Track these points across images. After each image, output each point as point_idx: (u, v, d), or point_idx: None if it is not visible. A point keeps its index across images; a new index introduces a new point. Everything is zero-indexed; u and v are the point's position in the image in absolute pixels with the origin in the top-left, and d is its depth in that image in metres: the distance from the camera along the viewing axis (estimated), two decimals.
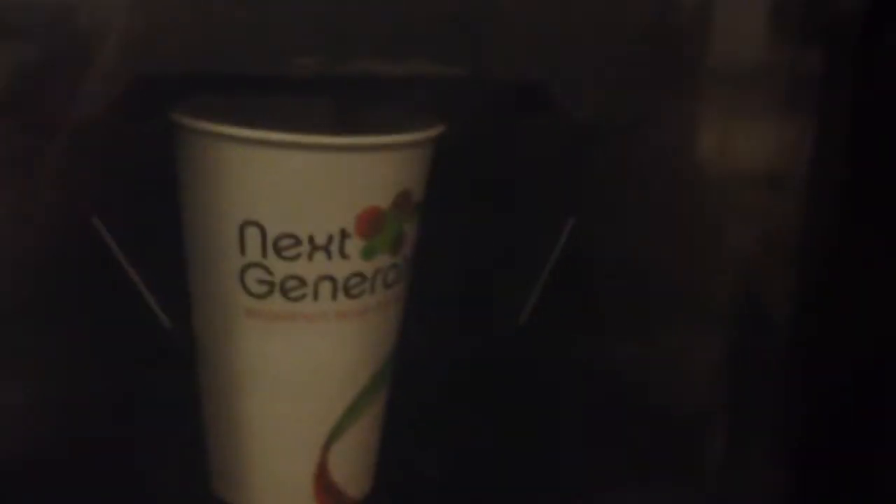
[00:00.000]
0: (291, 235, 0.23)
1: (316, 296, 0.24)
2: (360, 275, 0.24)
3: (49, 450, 0.26)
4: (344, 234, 0.23)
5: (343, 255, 0.23)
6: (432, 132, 0.24)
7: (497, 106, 0.29)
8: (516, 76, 0.30)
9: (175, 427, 0.28)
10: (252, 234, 0.23)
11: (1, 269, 0.25)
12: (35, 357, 0.26)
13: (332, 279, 0.24)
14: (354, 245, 0.23)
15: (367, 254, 0.24)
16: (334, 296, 0.24)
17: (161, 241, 0.25)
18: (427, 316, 0.28)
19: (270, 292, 0.24)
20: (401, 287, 0.26)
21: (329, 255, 0.23)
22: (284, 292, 0.24)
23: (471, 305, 0.33)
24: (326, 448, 0.26)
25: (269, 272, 0.23)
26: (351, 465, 0.27)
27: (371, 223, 0.24)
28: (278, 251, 0.23)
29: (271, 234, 0.23)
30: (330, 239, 0.23)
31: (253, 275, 0.23)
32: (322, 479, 0.27)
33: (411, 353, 0.27)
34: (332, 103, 0.27)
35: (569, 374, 0.32)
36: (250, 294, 0.24)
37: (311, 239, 0.23)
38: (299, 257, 0.23)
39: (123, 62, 0.25)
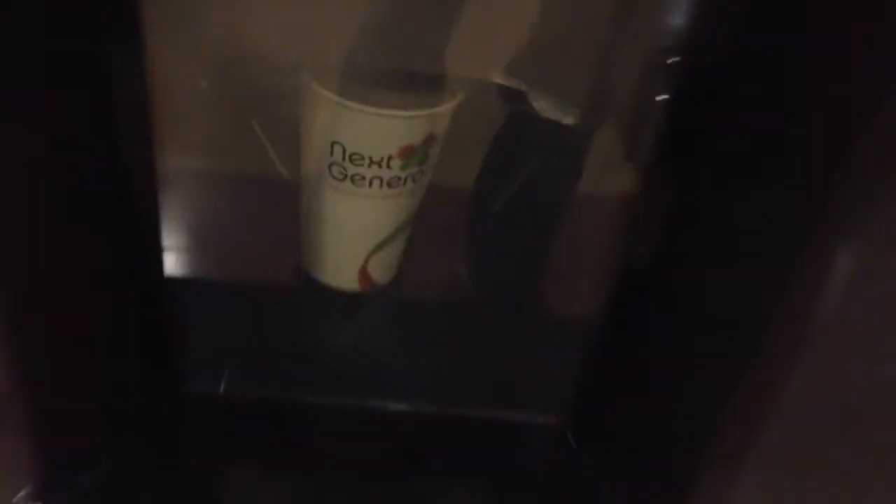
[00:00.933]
0: (359, 154, 0.40)
1: (370, 185, 0.41)
2: (398, 177, 0.41)
3: None
4: (390, 158, 0.40)
5: (388, 167, 0.40)
6: (451, 104, 0.40)
7: None
8: None
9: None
10: (337, 149, 0.40)
11: None
12: None
13: (380, 179, 0.41)
14: (395, 162, 0.40)
15: (403, 168, 0.41)
16: (381, 186, 0.41)
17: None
18: None
19: (344, 179, 0.41)
20: (424, 181, 0.43)
21: (380, 166, 0.40)
22: (352, 180, 0.41)
23: None
24: (367, 258, 0.45)
25: (344, 169, 0.40)
26: (381, 267, 0.46)
27: (407, 152, 0.40)
28: (351, 160, 0.40)
29: (349, 151, 0.40)
30: (381, 159, 0.40)
31: (335, 169, 0.41)
32: (363, 272, 0.46)
33: None
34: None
35: None
36: (333, 178, 0.41)
37: (370, 158, 0.40)
38: (363, 165, 0.40)
39: None
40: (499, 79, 0.41)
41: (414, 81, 0.40)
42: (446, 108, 0.40)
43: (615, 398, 0.43)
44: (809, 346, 0.33)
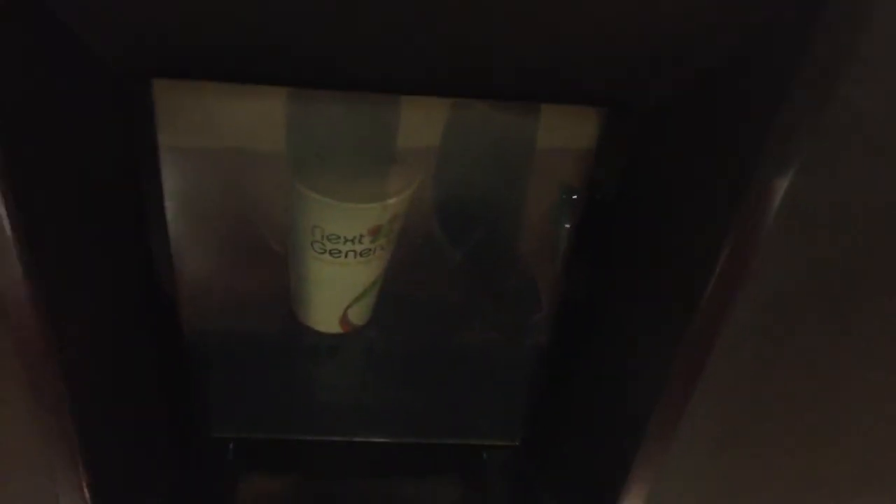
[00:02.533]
0: (335, 235, 0.48)
1: (346, 256, 0.49)
2: (369, 249, 0.49)
3: None
4: (362, 236, 0.48)
5: (360, 242, 0.48)
6: (410, 190, 0.48)
7: None
8: None
9: None
10: (318, 231, 0.48)
11: None
12: None
13: (354, 251, 0.49)
14: (366, 238, 0.48)
15: (373, 242, 0.49)
16: (355, 257, 0.49)
17: None
18: None
19: (324, 252, 0.49)
20: (391, 247, 0.51)
21: (353, 242, 0.48)
22: (330, 253, 0.49)
23: None
24: (346, 309, 0.54)
25: (323, 245, 0.49)
26: (360, 312, 0.55)
27: (375, 230, 0.48)
28: (329, 239, 0.48)
29: (327, 232, 0.48)
30: (354, 238, 0.48)
31: (316, 245, 0.49)
32: (344, 318, 0.54)
33: None
34: None
35: None
36: (315, 251, 0.49)
37: (345, 237, 0.48)
38: (339, 242, 0.48)
39: None
40: None
41: (380, 172, 0.48)
42: (406, 194, 0.48)
43: (557, 417, 0.52)
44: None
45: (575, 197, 0.40)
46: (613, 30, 0.30)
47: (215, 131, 0.44)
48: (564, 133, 0.42)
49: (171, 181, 0.44)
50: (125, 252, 0.39)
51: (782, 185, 0.32)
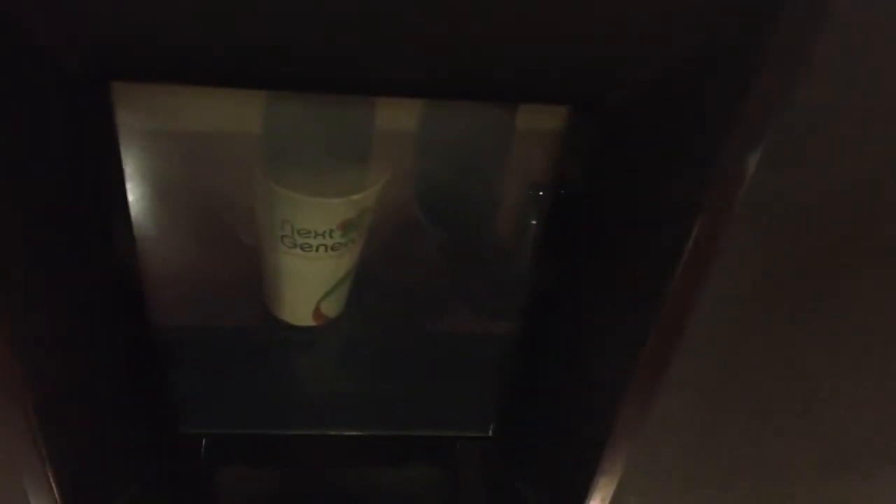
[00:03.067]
0: (306, 230, 0.48)
1: (317, 250, 0.49)
2: (339, 243, 0.49)
3: None
4: (332, 230, 0.48)
5: (331, 237, 0.48)
6: (379, 184, 0.48)
7: None
8: None
9: None
10: (287, 226, 0.48)
11: None
12: None
13: (325, 245, 0.49)
14: (336, 233, 0.48)
15: (343, 236, 0.49)
16: (326, 251, 0.49)
17: None
18: None
19: (294, 247, 0.49)
20: (361, 240, 0.51)
21: (324, 237, 0.48)
22: (301, 247, 0.49)
23: None
24: (319, 302, 0.54)
25: (294, 240, 0.48)
26: (332, 305, 0.55)
27: (346, 224, 0.48)
28: (299, 233, 0.48)
29: (297, 227, 0.48)
30: (325, 232, 0.48)
31: (286, 240, 0.49)
32: (317, 311, 0.54)
33: None
34: None
35: None
36: (285, 245, 0.49)
37: (315, 231, 0.48)
38: (309, 237, 0.48)
39: None
40: None
41: (349, 167, 0.48)
42: (375, 188, 0.48)
43: (528, 408, 0.52)
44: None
45: (542, 193, 0.40)
46: (582, 29, 0.30)
47: (181, 126, 0.44)
48: (530, 129, 0.42)
49: (135, 175, 0.43)
50: (89, 247, 0.39)
51: (745, 179, 0.33)
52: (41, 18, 0.29)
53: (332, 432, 0.54)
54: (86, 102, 0.35)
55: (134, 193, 0.42)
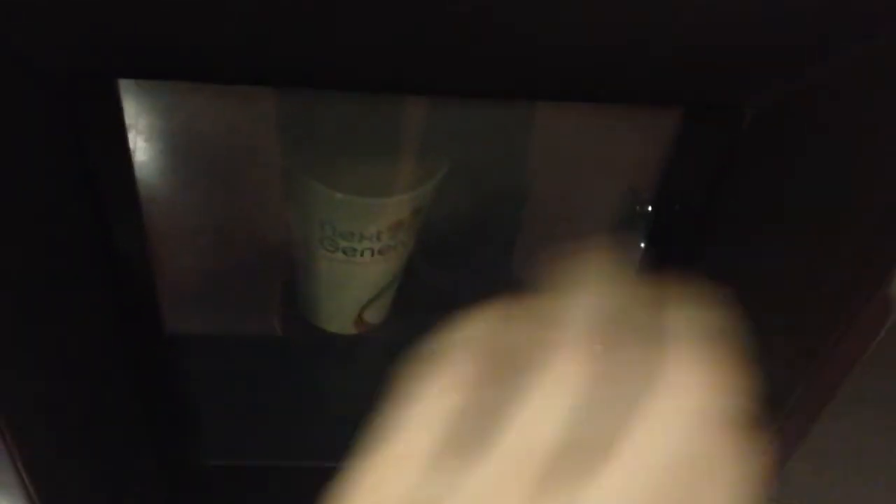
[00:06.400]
0: (350, 231, 0.40)
1: (362, 255, 0.42)
2: (388, 245, 0.42)
3: None
4: (380, 233, 0.40)
5: (379, 239, 0.41)
6: (434, 180, 0.40)
7: None
8: None
9: None
10: (328, 228, 0.40)
11: None
12: None
13: (371, 249, 0.41)
14: (385, 235, 0.41)
15: (392, 238, 0.41)
16: (372, 255, 0.42)
17: None
18: None
19: (336, 251, 0.42)
20: (412, 242, 0.43)
21: (371, 240, 0.41)
22: (344, 251, 0.41)
23: None
24: (362, 309, 0.46)
25: (335, 243, 0.41)
26: (374, 313, 0.48)
27: (396, 226, 0.41)
28: (342, 236, 0.40)
29: (339, 229, 0.40)
30: (372, 235, 0.40)
31: (327, 242, 0.41)
32: (358, 319, 0.47)
33: None
34: None
35: None
36: (325, 249, 0.42)
37: (361, 234, 0.40)
38: (353, 240, 0.41)
39: None
40: None
41: (401, 162, 0.40)
42: (430, 184, 0.40)
43: None
44: None
45: (650, 209, 0.32)
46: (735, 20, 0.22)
47: (200, 122, 0.36)
48: (626, 134, 0.34)
49: (148, 177, 0.36)
50: (99, 272, 0.32)
51: None
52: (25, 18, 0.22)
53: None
54: (86, 102, 0.28)
55: (146, 200, 0.34)
